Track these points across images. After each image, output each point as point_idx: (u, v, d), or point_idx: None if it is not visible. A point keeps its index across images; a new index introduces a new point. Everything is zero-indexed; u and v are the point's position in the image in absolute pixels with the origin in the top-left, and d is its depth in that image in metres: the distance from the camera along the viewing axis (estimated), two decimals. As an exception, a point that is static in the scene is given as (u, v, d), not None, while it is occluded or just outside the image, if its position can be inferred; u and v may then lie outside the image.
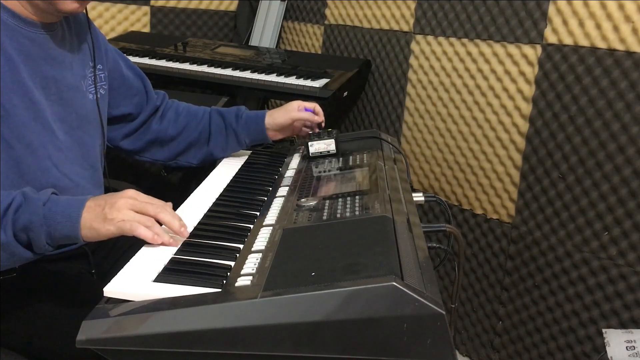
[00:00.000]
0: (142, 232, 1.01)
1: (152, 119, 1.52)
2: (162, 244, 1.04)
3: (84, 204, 1.03)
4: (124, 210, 1.02)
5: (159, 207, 1.05)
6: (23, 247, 1.01)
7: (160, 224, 1.05)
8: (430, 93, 2.17)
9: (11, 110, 1.11)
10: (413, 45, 2.20)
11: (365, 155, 1.44)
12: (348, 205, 1.12)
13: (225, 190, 1.32)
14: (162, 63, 2.40)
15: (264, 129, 1.52)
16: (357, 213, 1.08)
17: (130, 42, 2.63)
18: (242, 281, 0.91)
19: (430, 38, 2.14)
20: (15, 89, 1.12)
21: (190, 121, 1.53)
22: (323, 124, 1.58)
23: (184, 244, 1.05)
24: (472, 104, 2.03)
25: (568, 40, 1.74)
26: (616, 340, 1.50)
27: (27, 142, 1.14)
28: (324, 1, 2.57)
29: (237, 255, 1.01)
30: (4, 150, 1.11)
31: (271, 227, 1.10)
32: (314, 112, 1.55)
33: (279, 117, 1.52)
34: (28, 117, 1.14)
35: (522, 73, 1.87)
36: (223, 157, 1.56)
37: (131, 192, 1.06)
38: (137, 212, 1.03)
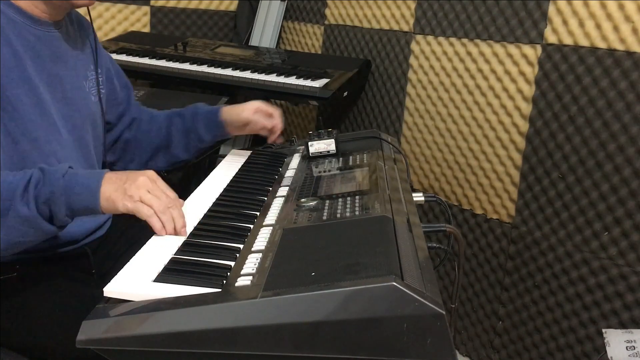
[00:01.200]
0: (155, 221, 1.04)
1: (126, 130, 1.51)
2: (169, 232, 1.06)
3: (103, 176, 1.04)
4: (143, 189, 1.04)
5: (172, 202, 1.08)
6: (46, 221, 1.02)
7: None
8: (430, 93, 2.17)
9: (18, 105, 1.12)
10: (413, 45, 2.21)
11: (365, 155, 1.44)
12: (348, 205, 1.12)
13: (225, 190, 1.32)
14: (162, 63, 2.40)
15: (222, 125, 1.49)
16: (357, 213, 1.08)
17: (130, 42, 2.63)
18: (242, 281, 0.91)
19: (430, 38, 2.14)
20: (22, 84, 1.13)
21: (151, 127, 1.51)
22: (279, 130, 1.53)
23: (184, 244, 1.05)
24: (472, 104, 2.03)
25: (568, 40, 1.74)
26: (616, 340, 1.50)
27: (33, 137, 1.15)
28: (324, 1, 2.57)
29: (237, 255, 1.01)
30: (9, 145, 1.12)
31: (271, 227, 1.10)
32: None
33: (233, 115, 1.49)
34: (34, 113, 1.15)
35: (522, 73, 1.87)
36: (189, 160, 1.55)
37: (152, 174, 1.08)
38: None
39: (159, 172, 1.12)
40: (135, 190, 1.03)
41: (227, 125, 1.50)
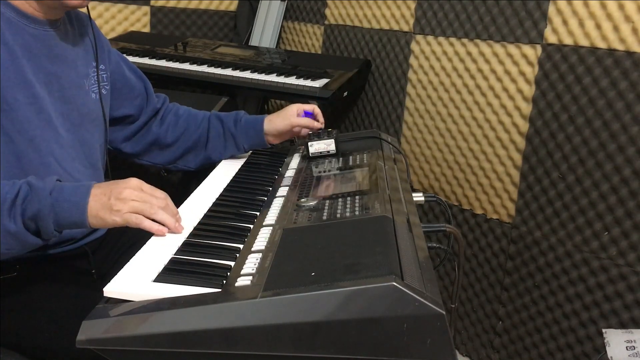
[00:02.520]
0: (147, 225, 1.05)
1: (153, 122, 1.52)
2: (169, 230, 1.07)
3: (90, 192, 1.04)
4: (129, 201, 1.04)
5: (162, 202, 1.08)
6: (32, 235, 1.03)
7: None
8: (430, 93, 2.16)
9: (14, 104, 1.12)
10: (413, 45, 2.20)
11: (365, 155, 1.44)
12: (348, 205, 1.12)
13: (225, 190, 1.32)
14: (162, 63, 2.40)
15: (262, 134, 1.51)
16: (357, 213, 1.08)
17: (130, 42, 2.63)
18: (242, 281, 0.91)
19: (430, 38, 2.14)
20: (18, 83, 1.13)
21: (189, 125, 1.53)
22: (322, 128, 1.57)
23: (184, 244, 1.05)
24: (472, 104, 2.03)
25: (568, 40, 1.74)
26: (616, 340, 1.50)
27: (30, 137, 1.15)
28: (324, 1, 2.57)
29: (237, 255, 1.01)
30: (6, 144, 1.12)
31: (271, 227, 1.10)
32: (313, 114, 1.55)
33: (278, 122, 1.51)
34: (31, 112, 1.15)
35: (522, 73, 1.87)
36: (219, 161, 1.56)
37: (135, 182, 1.07)
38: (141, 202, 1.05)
39: (148, 180, 1.12)
40: (122, 205, 1.03)
41: (268, 136, 1.52)
